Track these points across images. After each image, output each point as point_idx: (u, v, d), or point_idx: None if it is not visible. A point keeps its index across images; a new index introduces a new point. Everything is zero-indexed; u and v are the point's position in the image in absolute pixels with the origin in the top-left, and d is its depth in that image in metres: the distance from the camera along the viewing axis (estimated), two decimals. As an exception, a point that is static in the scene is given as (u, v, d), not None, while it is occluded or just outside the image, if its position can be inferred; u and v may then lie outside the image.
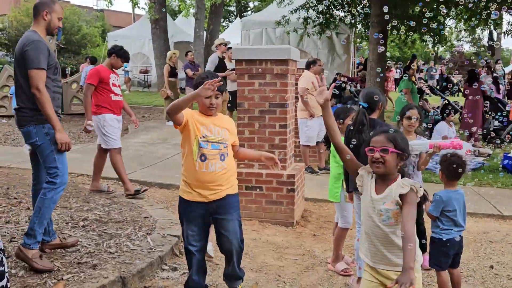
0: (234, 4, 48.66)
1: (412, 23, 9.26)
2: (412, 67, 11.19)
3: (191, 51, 13.14)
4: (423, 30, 10.57)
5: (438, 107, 13.45)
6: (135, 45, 22.66)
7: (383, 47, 9.70)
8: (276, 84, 5.63)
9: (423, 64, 28.68)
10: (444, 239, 3.74)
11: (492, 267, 4.60)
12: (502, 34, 25.30)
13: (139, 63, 22.70)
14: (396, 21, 6.12)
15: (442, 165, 3.86)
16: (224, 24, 46.55)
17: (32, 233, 3.75)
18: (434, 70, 23.52)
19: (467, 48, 54.62)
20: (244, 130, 5.78)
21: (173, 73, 12.52)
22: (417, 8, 8.72)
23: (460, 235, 3.76)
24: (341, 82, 13.02)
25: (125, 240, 4.51)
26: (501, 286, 4.22)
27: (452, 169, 3.77)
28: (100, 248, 4.28)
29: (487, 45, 48.99)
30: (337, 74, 14.32)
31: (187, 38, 22.26)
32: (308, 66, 8.03)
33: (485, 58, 41.88)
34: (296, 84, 8.65)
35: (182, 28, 24.09)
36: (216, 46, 9.83)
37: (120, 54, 6.31)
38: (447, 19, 12.65)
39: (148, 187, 7.00)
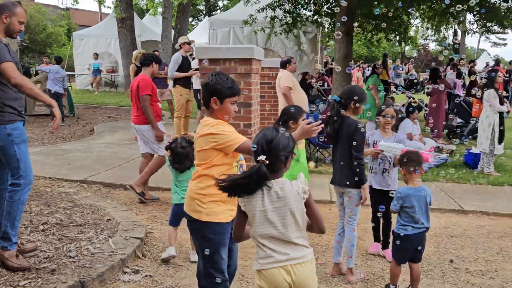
0: (203, 3, 48.47)
1: (376, 22, 9.38)
2: (377, 66, 11.32)
3: (158, 50, 12.98)
4: (383, 26, 10.70)
5: (403, 105, 13.69)
6: (101, 45, 22.27)
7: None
8: (240, 84, 5.61)
9: (392, 63, 29.07)
10: (402, 235, 3.82)
11: (451, 261, 4.70)
12: (465, 33, 25.86)
13: (106, 63, 22.32)
14: (358, 21, 6.21)
15: (401, 163, 3.94)
16: (194, 23, 46.30)
17: (7, 236, 3.81)
18: (400, 69, 23.85)
19: (433, 46, 55.84)
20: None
21: (139, 72, 12.31)
22: (382, 7, 8.87)
23: (420, 232, 3.82)
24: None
25: (86, 244, 4.43)
26: (459, 279, 4.31)
27: (410, 166, 3.85)
28: (60, 253, 4.19)
29: (452, 43, 50.21)
30: (305, 73, 14.39)
31: (155, 37, 22.01)
32: (284, 65, 8.06)
33: (450, 56, 42.83)
34: (264, 83, 8.72)
35: (150, 27, 23.82)
36: (180, 45, 9.73)
37: (158, 60, 6.46)
38: (411, 18, 12.86)
39: (111, 188, 6.90)
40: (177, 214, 4.47)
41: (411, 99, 13.76)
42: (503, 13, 9.51)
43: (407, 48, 52.22)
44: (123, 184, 7.01)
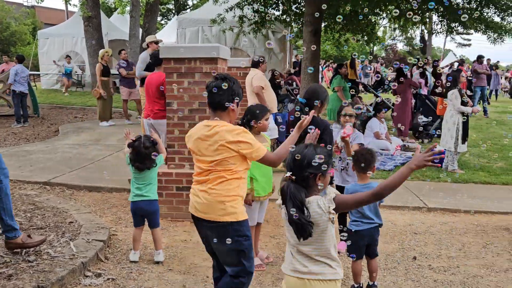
0: (173, 2, 48.05)
1: (343, 21, 9.44)
2: (343, 66, 11.42)
3: (125, 49, 12.78)
4: (351, 27, 10.80)
5: (371, 104, 13.85)
6: (67, 43, 21.80)
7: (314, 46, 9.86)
8: (205, 83, 5.55)
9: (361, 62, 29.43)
10: (353, 230, 3.89)
11: (415, 258, 4.76)
12: (430, 34, 26.41)
13: (72, 62, 21.85)
14: (325, 21, 6.24)
15: (353, 159, 4.03)
16: (163, 22, 45.86)
17: (9, 227, 4.05)
18: (369, 68, 24.20)
19: (400, 46, 56.83)
20: (173, 130, 5.68)
21: (106, 72, 12.15)
22: (348, 7, 8.94)
23: (370, 227, 3.88)
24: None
25: (46, 247, 4.31)
26: (422, 276, 4.37)
27: (360, 163, 3.94)
28: (18, 257, 4.06)
29: (419, 43, 51.19)
30: (274, 71, 14.40)
31: (123, 36, 21.67)
32: (257, 64, 8.06)
33: (418, 56, 43.64)
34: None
35: (118, 26, 23.44)
36: (147, 44, 9.60)
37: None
38: (379, 18, 13.03)
39: (76, 190, 6.76)
40: (135, 213, 4.45)
41: (378, 98, 13.94)
42: (466, 14, 9.70)
43: (375, 48, 53.01)
44: (88, 185, 6.88)
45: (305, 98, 4.20)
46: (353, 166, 4.05)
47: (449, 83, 8.64)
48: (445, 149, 8.72)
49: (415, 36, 46.77)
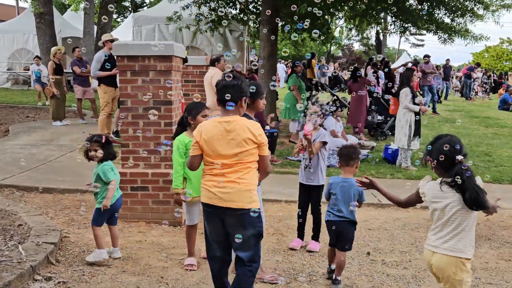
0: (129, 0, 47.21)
1: (299, 22, 9.49)
2: (296, 64, 11.52)
3: (78, 47, 12.46)
4: (306, 26, 10.87)
5: (327, 103, 14.03)
6: (18, 40, 21.05)
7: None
8: (160, 81, 5.49)
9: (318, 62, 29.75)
10: (325, 219, 4.20)
11: (369, 253, 4.86)
12: (384, 34, 26.99)
13: (23, 60, 21.13)
14: (281, 20, 6.26)
15: (338, 154, 4.27)
16: (119, 20, 45.01)
17: None
18: (326, 68, 24.49)
19: (356, 46, 57.91)
20: (128, 129, 5.57)
21: (58, 70, 11.80)
22: (304, 6, 9.00)
23: (339, 220, 4.07)
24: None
25: (-7, 252, 4.14)
26: (376, 271, 4.46)
27: (343, 156, 4.18)
28: (-38, 262, 3.89)
29: (374, 43, 52.27)
30: (234, 70, 14.38)
31: (77, 34, 21.11)
32: (213, 62, 8.00)
33: (373, 56, 44.47)
34: (188, 81, 8.61)
35: (71, 23, 22.82)
36: (103, 42, 9.39)
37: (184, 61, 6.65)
38: (335, 18, 13.20)
39: (26, 192, 6.53)
40: (109, 211, 4.44)
41: (334, 97, 14.14)
42: (418, 15, 9.97)
43: (333, 48, 53.80)
44: (39, 186, 6.67)
45: None
46: (338, 161, 4.27)
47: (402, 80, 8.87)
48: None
49: (371, 36, 47.76)
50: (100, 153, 4.35)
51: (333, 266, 4.21)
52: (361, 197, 4.14)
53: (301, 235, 5.04)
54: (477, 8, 9.91)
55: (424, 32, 12.02)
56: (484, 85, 24.56)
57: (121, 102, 5.58)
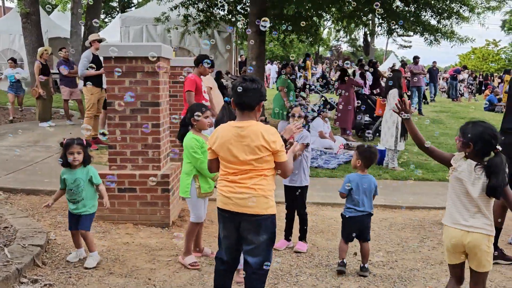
0: (117, 0, 46.97)
1: (287, 22, 9.56)
2: (287, 66, 11.57)
3: (65, 47, 12.37)
4: (295, 28, 10.95)
5: (315, 104, 14.09)
6: (4, 41, 20.81)
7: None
8: (147, 82, 5.48)
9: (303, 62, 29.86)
10: (346, 216, 4.41)
11: (355, 254, 4.88)
12: (372, 35, 27.15)
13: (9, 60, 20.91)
14: (269, 22, 6.26)
15: (361, 154, 4.44)
16: (107, 20, 44.73)
17: None
18: (314, 69, 24.61)
19: (345, 47, 58.19)
20: (115, 130, 5.55)
21: (45, 70, 11.71)
22: (292, 7, 9.03)
23: (361, 215, 4.34)
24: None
25: (-22, 254, 4.11)
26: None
27: (367, 159, 4.41)
28: None
29: (362, 44, 52.57)
30: (219, 72, 14.40)
31: (64, 34, 20.93)
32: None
33: (361, 57, 44.68)
34: (176, 82, 8.59)
35: (58, 23, 22.63)
36: (90, 42, 9.34)
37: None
38: (323, 20, 13.27)
39: (12, 194, 6.48)
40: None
41: (323, 98, 14.20)
42: (405, 16, 10.06)
43: (321, 49, 54.00)
44: (25, 188, 6.62)
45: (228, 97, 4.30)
46: (358, 160, 4.42)
47: (391, 82, 8.91)
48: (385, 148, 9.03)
49: (359, 37, 48.03)
50: (82, 156, 4.28)
51: (345, 260, 4.44)
52: (376, 191, 4.48)
53: (287, 236, 5.06)
54: (463, 10, 10.02)
55: (411, 33, 12.12)
56: (470, 86, 24.82)
57: (108, 103, 5.56)
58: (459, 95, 23.47)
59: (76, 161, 4.24)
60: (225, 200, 3.20)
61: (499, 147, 3.12)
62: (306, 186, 4.92)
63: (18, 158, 8.34)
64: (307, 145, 4.82)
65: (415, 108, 16.50)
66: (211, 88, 7.75)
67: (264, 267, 3.23)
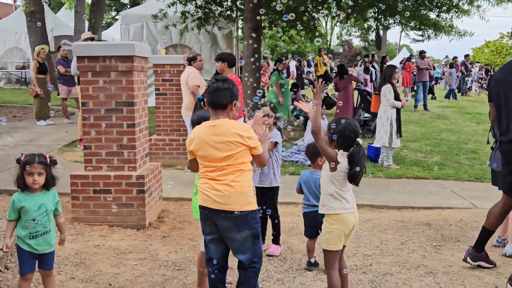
0: (127, -3, 47.05)
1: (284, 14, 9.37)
2: (279, 61, 11.40)
3: (62, 45, 12.35)
4: (294, 23, 10.75)
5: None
6: (10, 39, 21.04)
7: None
8: (121, 82, 5.39)
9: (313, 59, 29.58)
10: (303, 212, 4.52)
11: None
12: (385, 29, 26.75)
13: (15, 59, 21.11)
14: (268, 18, 6.13)
15: (305, 152, 4.62)
16: (117, 17, 44.85)
17: None
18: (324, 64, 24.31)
19: (356, 42, 57.66)
20: (90, 131, 5.47)
21: (42, 69, 11.72)
22: (284, 3, 8.84)
23: (314, 211, 4.15)
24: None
25: None
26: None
27: (309, 156, 4.50)
28: None
29: (374, 39, 51.98)
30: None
31: (70, 32, 20.99)
32: (190, 62, 7.92)
33: (373, 52, 44.27)
34: (165, 80, 8.50)
35: (65, 21, 22.75)
36: (83, 41, 9.29)
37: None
38: (321, 14, 13.06)
39: (-6, 194, 6.45)
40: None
41: (324, 94, 14.03)
42: (400, 12, 9.82)
43: (332, 44, 53.55)
44: (8, 189, 6.58)
45: (203, 95, 4.17)
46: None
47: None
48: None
49: (371, 32, 47.32)
50: (43, 178, 3.40)
51: (313, 259, 4.47)
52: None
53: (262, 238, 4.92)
54: (462, 4, 9.75)
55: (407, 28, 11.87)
56: (480, 81, 24.34)
57: (82, 103, 5.49)
58: (467, 90, 23.05)
59: (36, 184, 3.37)
60: (205, 197, 3.24)
61: (359, 140, 3.42)
62: (277, 187, 4.78)
63: (8, 158, 8.32)
64: (276, 143, 4.68)
65: (420, 105, 16.22)
66: (198, 86, 7.63)
67: (255, 265, 3.28)
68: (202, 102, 4.07)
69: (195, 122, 3.67)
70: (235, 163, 3.19)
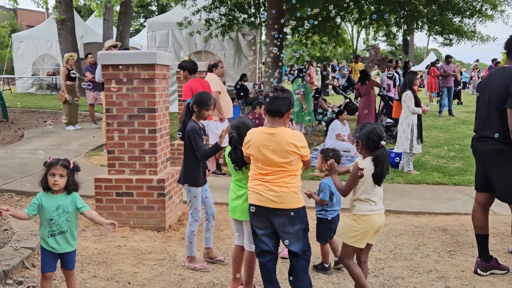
0: (155, 4, 47.93)
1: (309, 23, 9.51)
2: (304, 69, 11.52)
3: (91, 53, 12.75)
4: (317, 29, 10.89)
5: (340, 106, 13.96)
6: (42, 46, 21.72)
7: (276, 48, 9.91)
8: (144, 89, 5.61)
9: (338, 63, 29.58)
10: (329, 218, 4.51)
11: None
12: (411, 34, 26.55)
13: (46, 65, 21.79)
14: (290, 25, 6.28)
15: (325, 157, 4.46)
16: (146, 24, 45.72)
17: None
18: (346, 69, 24.32)
19: (383, 46, 57.16)
20: (113, 136, 5.70)
21: (70, 76, 12.13)
22: (305, 10, 8.98)
23: (338, 214, 4.58)
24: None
25: (-29, 256, 4.32)
26: (344, 279, 4.43)
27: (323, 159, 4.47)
28: None
29: (401, 43, 51.51)
30: (243, 75, 14.48)
31: (99, 39, 21.63)
32: (211, 68, 8.13)
33: (400, 56, 43.75)
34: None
35: (94, 28, 23.37)
36: (106, 49, 9.62)
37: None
38: (344, 20, 13.14)
39: (24, 196, 6.76)
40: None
41: (347, 99, 14.06)
42: (425, 16, 9.83)
43: (359, 48, 53.26)
44: (37, 191, 6.86)
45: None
46: (324, 164, 4.48)
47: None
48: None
49: (397, 36, 46.93)
50: (64, 181, 3.51)
51: (327, 264, 4.60)
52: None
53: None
54: (485, 9, 9.70)
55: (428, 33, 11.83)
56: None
57: (106, 109, 5.73)
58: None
59: (56, 185, 3.47)
60: (260, 197, 3.55)
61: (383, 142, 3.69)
62: None
63: (37, 162, 8.67)
64: None
65: (447, 109, 16.07)
66: (219, 92, 7.81)
67: (307, 253, 3.59)
68: (191, 107, 4.50)
69: (235, 127, 3.95)
70: (289, 170, 3.49)
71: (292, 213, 3.50)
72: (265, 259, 3.65)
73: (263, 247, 3.63)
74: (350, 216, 3.81)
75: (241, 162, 3.86)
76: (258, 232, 3.63)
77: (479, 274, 4.53)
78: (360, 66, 14.29)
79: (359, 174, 3.65)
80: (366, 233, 3.73)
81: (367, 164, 3.65)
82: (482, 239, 4.59)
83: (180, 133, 4.58)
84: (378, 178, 3.67)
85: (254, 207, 3.60)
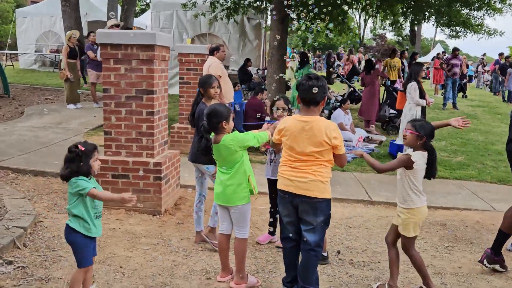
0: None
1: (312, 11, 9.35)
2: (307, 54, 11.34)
3: (93, 32, 12.59)
4: (323, 15, 10.69)
5: (344, 95, 13.82)
6: (45, 23, 21.49)
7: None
8: (142, 70, 5.50)
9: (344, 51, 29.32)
10: None
11: (339, 252, 4.77)
12: (418, 25, 26.21)
13: (50, 42, 21.60)
14: (295, 10, 6.14)
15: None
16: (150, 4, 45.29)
17: None
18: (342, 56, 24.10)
19: (390, 36, 56.64)
20: (110, 117, 5.61)
21: (72, 54, 12.00)
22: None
23: None
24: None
25: (-39, 234, 4.26)
26: (339, 271, 4.37)
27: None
28: None
29: (408, 33, 50.96)
30: (247, 60, 14.33)
31: (104, 18, 21.37)
32: (212, 52, 8.00)
33: (407, 47, 43.34)
34: (190, 69, 8.60)
35: (99, 6, 23.09)
36: (108, 28, 9.49)
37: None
38: (351, 8, 12.94)
39: (20, 174, 6.69)
40: None
41: (351, 88, 13.91)
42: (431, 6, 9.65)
43: (366, 37, 52.75)
44: (33, 169, 6.81)
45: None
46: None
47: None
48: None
49: (405, 27, 46.40)
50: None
51: (325, 253, 4.53)
52: None
53: (272, 231, 4.98)
54: (494, 2, 9.51)
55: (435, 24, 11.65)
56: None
57: (104, 90, 5.62)
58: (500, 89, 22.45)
59: (97, 171, 3.44)
60: (287, 182, 3.58)
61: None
62: None
63: (35, 139, 8.61)
64: None
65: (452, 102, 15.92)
66: (220, 76, 7.69)
67: (319, 248, 3.63)
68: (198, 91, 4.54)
69: (206, 115, 3.77)
70: (320, 159, 3.49)
71: (316, 202, 3.51)
72: (288, 245, 3.76)
73: (287, 234, 3.72)
74: (402, 211, 3.90)
75: (206, 150, 3.82)
76: (283, 219, 3.71)
77: (484, 264, 4.50)
78: (397, 61, 13.74)
79: (413, 167, 3.76)
80: (420, 222, 3.94)
81: (419, 158, 3.75)
82: (503, 237, 4.55)
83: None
84: (431, 174, 3.83)
85: (281, 192, 3.66)
